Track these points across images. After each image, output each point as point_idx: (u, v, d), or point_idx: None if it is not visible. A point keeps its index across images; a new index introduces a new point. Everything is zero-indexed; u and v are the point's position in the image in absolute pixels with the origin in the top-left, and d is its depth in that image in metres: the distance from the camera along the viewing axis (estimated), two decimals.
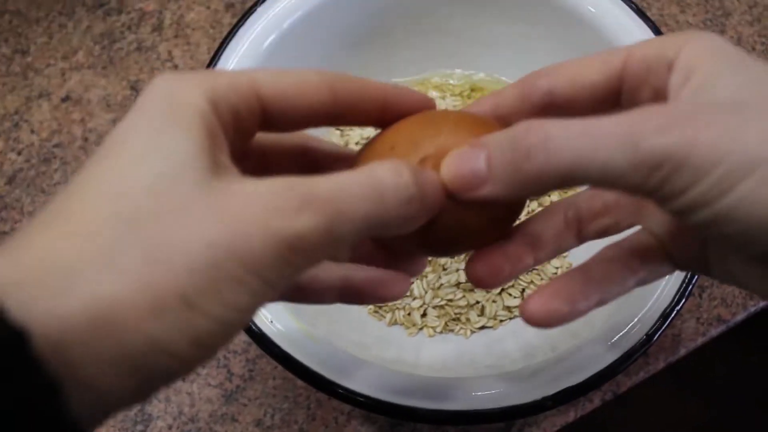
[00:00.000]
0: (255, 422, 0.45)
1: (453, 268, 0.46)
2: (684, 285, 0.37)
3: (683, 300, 0.37)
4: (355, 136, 0.48)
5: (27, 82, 0.54)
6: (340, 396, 0.36)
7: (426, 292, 0.45)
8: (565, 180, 0.20)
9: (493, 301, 0.45)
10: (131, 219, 0.17)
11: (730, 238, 0.20)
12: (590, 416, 0.45)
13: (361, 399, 0.36)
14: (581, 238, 0.27)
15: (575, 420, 0.45)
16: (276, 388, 0.46)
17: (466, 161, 0.22)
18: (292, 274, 0.18)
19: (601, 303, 0.26)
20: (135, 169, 0.18)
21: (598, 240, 0.28)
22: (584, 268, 0.26)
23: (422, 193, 0.21)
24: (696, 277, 0.38)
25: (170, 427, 0.45)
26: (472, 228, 0.24)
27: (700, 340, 0.47)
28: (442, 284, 0.46)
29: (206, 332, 0.17)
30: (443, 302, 0.45)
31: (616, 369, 0.36)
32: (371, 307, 0.46)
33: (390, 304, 0.46)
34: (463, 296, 0.45)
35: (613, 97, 0.24)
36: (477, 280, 0.26)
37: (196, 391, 0.46)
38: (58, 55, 0.54)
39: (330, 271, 0.26)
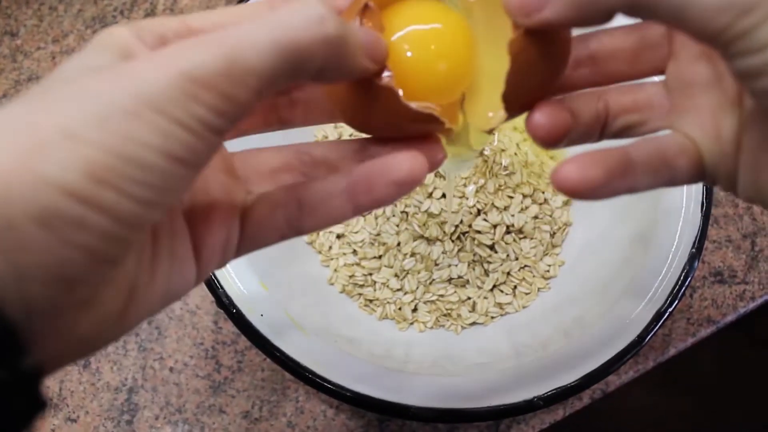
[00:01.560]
0: (242, 414, 0.45)
1: (445, 263, 0.45)
2: (677, 287, 0.37)
3: (676, 302, 0.37)
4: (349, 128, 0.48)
5: (16, 65, 0.53)
6: (328, 391, 0.36)
7: (417, 287, 0.45)
8: (638, 6, 0.19)
9: (485, 298, 0.45)
10: (33, 95, 0.17)
11: None
12: (579, 414, 0.45)
13: (349, 394, 0.36)
14: (603, 134, 0.25)
15: (564, 418, 0.45)
16: (264, 381, 0.46)
17: None
18: (206, 113, 0.17)
19: (631, 190, 0.23)
20: (56, 74, 0.19)
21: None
22: (623, 149, 0.23)
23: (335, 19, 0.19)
24: (689, 279, 0.37)
25: (157, 418, 0.45)
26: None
27: (690, 341, 0.47)
28: (433, 279, 0.45)
29: (101, 165, 0.15)
30: (434, 297, 0.45)
31: (607, 370, 0.36)
32: (362, 301, 0.46)
33: (381, 298, 0.45)
34: (455, 292, 0.45)
35: None
36: (536, 129, 0.24)
37: (184, 382, 0.46)
38: (48, 39, 0.53)
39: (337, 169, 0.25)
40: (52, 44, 0.53)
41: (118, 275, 0.18)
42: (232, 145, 0.25)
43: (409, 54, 0.23)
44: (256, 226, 0.23)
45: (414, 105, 0.22)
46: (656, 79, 0.25)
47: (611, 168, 0.22)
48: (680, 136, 0.24)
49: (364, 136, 0.25)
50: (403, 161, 0.21)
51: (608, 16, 0.20)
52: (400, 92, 0.22)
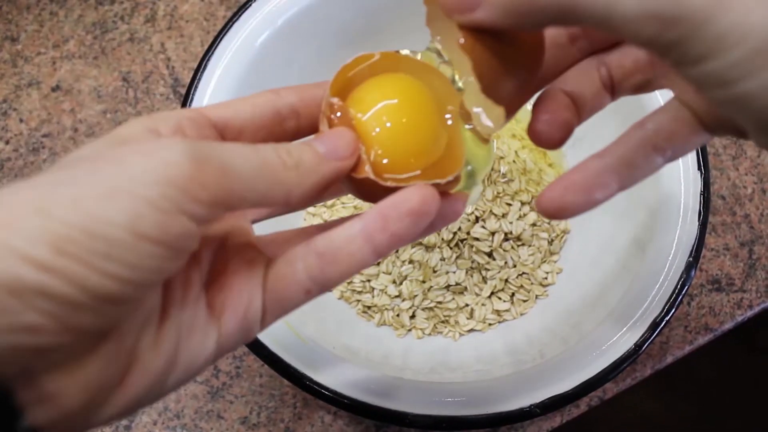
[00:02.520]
0: (241, 420, 0.45)
1: (443, 270, 0.45)
2: (674, 295, 0.37)
3: (673, 310, 0.37)
4: None
5: (16, 70, 0.53)
6: (326, 398, 0.36)
7: (415, 294, 0.45)
8: (563, 13, 0.19)
9: (483, 305, 0.45)
10: (33, 180, 0.18)
11: (752, 119, 0.18)
12: (576, 421, 0.45)
13: (347, 401, 0.36)
14: (616, 94, 0.26)
15: (561, 425, 0.45)
16: (263, 386, 0.46)
17: None
18: (175, 196, 0.18)
19: (622, 188, 0.24)
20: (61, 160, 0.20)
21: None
22: (602, 155, 0.24)
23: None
24: (686, 287, 0.38)
25: (155, 423, 0.45)
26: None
27: (688, 348, 0.47)
28: (431, 286, 0.45)
29: (65, 238, 0.16)
30: (432, 304, 0.45)
31: (605, 378, 0.36)
32: (360, 307, 0.46)
33: (379, 304, 0.45)
34: (453, 299, 0.45)
35: None
36: (538, 134, 0.24)
37: (182, 387, 0.46)
38: (48, 44, 0.54)
39: None
40: (52, 49, 0.53)
41: (106, 345, 0.19)
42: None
43: (380, 132, 0.23)
44: (279, 288, 0.22)
45: (396, 179, 0.22)
46: None
47: (588, 186, 0.24)
48: (674, 108, 0.24)
49: None
50: (413, 191, 0.22)
51: (538, 25, 0.20)
52: (371, 174, 0.22)
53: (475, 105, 0.24)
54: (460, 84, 0.24)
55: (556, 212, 0.24)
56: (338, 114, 0.23)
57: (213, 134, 0.23)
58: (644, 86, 0.25)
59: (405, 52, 0.25)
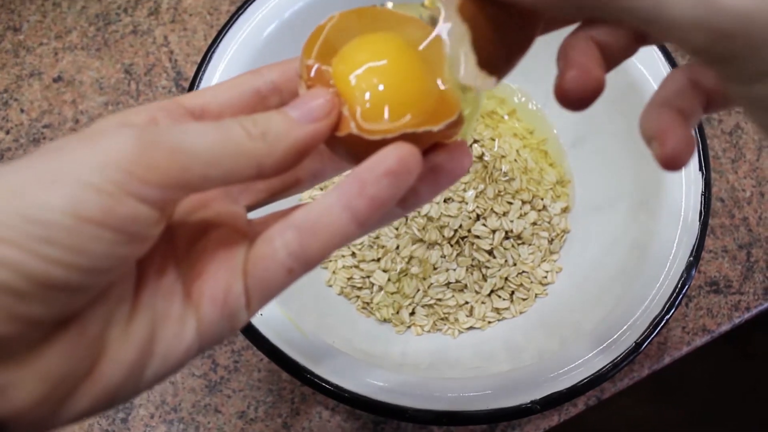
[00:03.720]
0: (238, 414, 0.45)
1: (443, 267, 0.45)
2: (674, 294, 0.38)
3: (673, 309, 0.37)
4: None
5: (18, 60, 0.53)
6: (327, 391, 0.36)
7: (416, 291, 0.45)
8: (609, 13, 0.17)
9: (483, 303, 0.45)
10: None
11: None
12: (573, 420, 0.46)
13: (348, 395, 0.36)
14: (647, 41, 0.22)
15: (559, 424, 0.45)
16: (261, 381, 0.46)
17: None
18: (119, 178, 0.17)
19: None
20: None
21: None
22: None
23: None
24: (686, 286, 0.38)
25: (152, 416, 0.45)
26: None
27: (685, 349, 0.47)
28: (431, 284, 0.45)
29: (3, 225, 0.16)
30: (432, 301, 0.45)
31: (605, 375, 0.36)
32: (360, 303, 0.46)
33: (377, 301, 0.45)
34: (453, 296, 0.45)
35: None
36: (565, 94, 0.21)
37: (180, 381, 0.46)
38: (51, 35, 0.53)
39: None
40: (54, 40, 0.53)
41: (66, 335, 0.18)
42: None
43: (363, 85, 0.22)
44: (259, 269, 0.21)
45: (383, 130, 0.21)
46: None
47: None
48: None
49: None
50: (390, 150, 0.20)
51: (577, 17, 0.18)
52: (355, 130, 0.21)
53: (470, 78, 0.22)
54: (448, 50, 0.22)
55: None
56: (312, 75, 0.22)
57: (188, 121, 0.22)
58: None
59: (389, 5, 0.23)
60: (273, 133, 0.20)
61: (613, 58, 0.22)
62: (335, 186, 0.20)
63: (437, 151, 0.22)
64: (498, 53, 0.22)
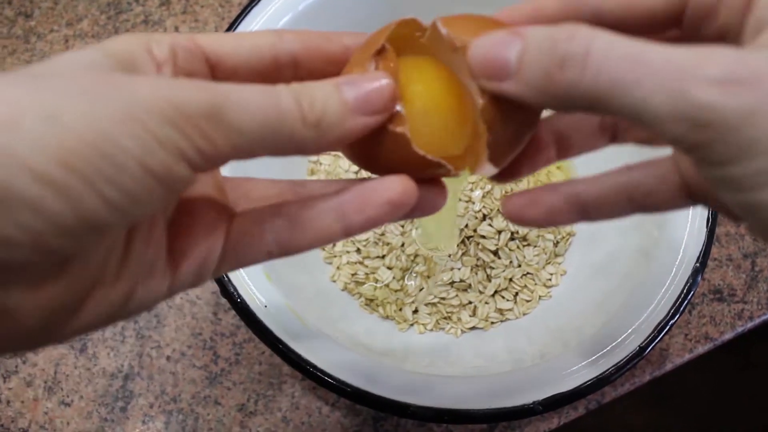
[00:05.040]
0: (238, 407, 0.45)
1: (448, 266, 0.45)
2: (680, 300, 0.37)
3: (678, 314, 0.37)
4: None
5: (29, 46, 0.53)
6: (329, 385, 0.36)
7: (420, 289, 0.45)
8: (593, 105, 0.18)
9: (486, 303, 0.45)
10: (18, 75, 0.17)
11: (759, 225, 0.18)
12: (573, 423, 0.45)
13: (350, 390, 0.36)
14: (616, 140, 0.25)
15: (558, 427, 0.45)
16: (261, 374, 0.46)
17: (499, 47, 0.20)
18: (185, 145, 0.17)
19: (585, 220, 0.24)
20: (45, 63, 0.19)
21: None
22: (577, 187, 0.24)
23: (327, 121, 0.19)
24: (692, 292, 0.38)
25: (151, 406, 0.45)
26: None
27: (687, 357, 0.47)
28: (435, 282, 0.45)
29: (77, 153, 0.15)
30: (436, 300, 0.45)
31: (608, 378, 0.36)
32: (363, 299, 0.46)
33: (381, 298, 0.45)
34: (456, 295, 0.45)
35: (672, 24, 0.21)
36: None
37: (180, 372, 0.46)
38: (62, 22, 0.53)
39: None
40: (65, 27, 0.53)
41: (71, 270, 0.18)
42: (226, 170, 0.25)
43: (422, 108, 0.22)
44: (242, 243, 0.22)
45: (423, 153, 0.21)
46: None
47: (553, 209, 0.24)
48: (663, 168, 0.24)
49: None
50: (396, 181, 0.21)
51: (566, 109, 0.20)
52: (408, 132, 0.21)
53: (481, 170, 0.23)
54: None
55: (513, 218, 0.24)
56: (377, 61, 0.21)
57: (204, 69, 0.22)
58: (649, 141, 0.25)
59: (439, 24, 0.23)
60: (327, 123, 0.19)
61: (573, 147, 0.25)
62: (339, 191, 0.21)
63: (425, 185, 0.23)
64: (506, 150, 0.23)
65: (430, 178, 0.23)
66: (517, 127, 0.23)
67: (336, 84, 0.20)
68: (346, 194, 0.22)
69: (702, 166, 0.18)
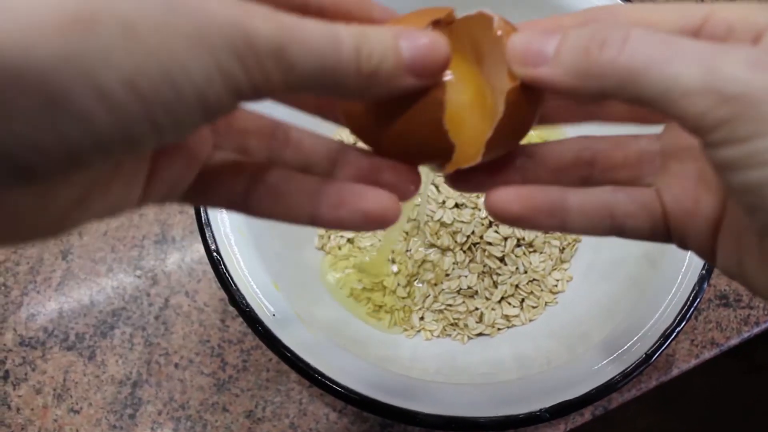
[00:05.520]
0: (246, 413, 0.45)
1: (455, 274, 0.46)
2: (686, 307, 0.38)
3: (684, 322, 0.37)
4: None
5: None
6: (337, 393, 0.36)
7: (427, 296, 0.45)
8: (624, 83, 0.19)
9: (493, 309, 0.45)
10: None
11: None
12: (579, 429, 0.46)
13: (357, 398, 0.36)
14: (585, 182, 0.25)
15: None
16: (269, 381, 0.46)
17: (539, 37, 0.21)
18: (242, 77, 0.17)
19: (562, 230, 0.24)
20: None
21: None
22: (562, 193, 0.24)
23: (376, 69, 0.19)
24: (698, 299, 0.38)
25: (160, 413, 0.45)
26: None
27: (693, 362, 0.47)
28: (442, 289, 0.46)
29: (146, 76, 0.15)
30: (443, 307, 0.45)
31: (614, 386, 0.36)
32: (370, 306, 0.46)
33: (389, 305, 0.46)
34: (463, 302, 0.45)
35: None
36: (452, 180, 0.25)
37: (188, 379, 0.46)
38: None
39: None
40: None
41: (82, 182, 0.18)
42: None
43: (457, 92, 0.22)
44: (212, 184, 0.22)
45: (446, 128, 0.21)
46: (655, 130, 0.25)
47: (537, 211, 0.23)
48: (648, 197, 0.24)
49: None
50: (382, 196, 0.21)
51: (599, 95, 0.20)
52: (444, 103, 0.21)
53: (465, 164, 0.23)
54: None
55: (496, 210, 0.23)
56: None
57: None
58: (623, 183, 0.25)
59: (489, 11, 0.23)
60: (378, 77, 0.19)
61: (556, 117, 0.25)
62: (321, 180, 0.22)
63: (403, 171, 0.23)
64: (503, 143, 0.23)
65: (413, 164, 0.23)
66: (521, 124, 0.23)
67: (395, 37, 0.19)
68: (329, 184, 0.22)
69: (719, 148, 0.18)
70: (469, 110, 0.23)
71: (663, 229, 0.24)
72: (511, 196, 0.23)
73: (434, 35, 0.20)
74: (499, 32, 0.22)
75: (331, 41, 0.18)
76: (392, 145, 0.22)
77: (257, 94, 0.17)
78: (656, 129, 0.25)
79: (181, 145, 0.21)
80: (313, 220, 0.22)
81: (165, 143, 0.17)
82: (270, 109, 0.23)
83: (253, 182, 0.22)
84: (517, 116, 0.22)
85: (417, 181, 0.23)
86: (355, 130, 0.23)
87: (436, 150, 0.22)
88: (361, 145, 0.24)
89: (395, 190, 0.22)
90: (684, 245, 0.24)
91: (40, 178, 0.15)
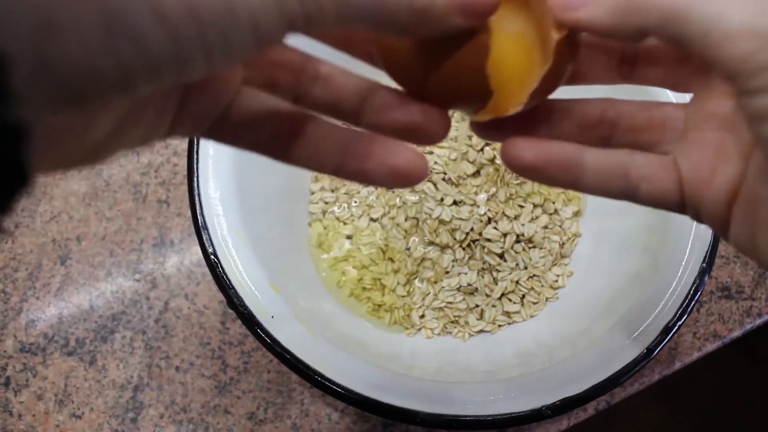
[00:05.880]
0: (248, 415, 0.45)
1: (455, 271, 0.45)
2: (686, 301, 0.37)
3: (685, 316, 0.37)
4: None
5: None
6: (337, 394, 0.36)
7: (427, 294, 0.45)
8: (667, 22, 0.19)
9: (493, 306, 0.45)
10: None
11: None
12: (583, 424, 0.45)
13: (358, 398, 0.36)
14: (605, 142, 0.25)
15: (568, 428, 0.45)
16: (270, 382, 0.46)
17: None
18: (294, 5, 0.16)
19: (575, 187, 0.24)
20: None
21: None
22: (578, 149, 0.24)
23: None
24: (699, 293, 0.38)
25: (162, 416, 0.45)
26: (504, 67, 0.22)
27: (696, 355, 0.47)
28: (442, 287, 0.45)
29: (206, 2, 0.15)
30: (443, 304, 0.45)
31: (616, 381, 0.36)
32: (370, 305, 0.46)
33: (388, 304, 0.45)
34: (463, 299, 0.45)
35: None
36: (480, 127, 0.24)
37: (190, 381, 0.46)
38: None
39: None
40: None
41: (122, 108, 0.18)
42: None
43: (504, 36, 0.22)
44: (239, 123, 0.22)
45: (488, 73, 0.21)
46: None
47: (550, 160, 0.23)
48: (666, 163, 0.24)
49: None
50: (412, 153, 0.21)
51: (639, 34, 0.20)
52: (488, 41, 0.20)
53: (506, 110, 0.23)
54: None
55: (509, 161, 0.23)
56: None
57: None
58: (643, 146, 0.25)
59: None
60: (429, 14, 0.19)
61: (590, 77, 0.25)
62: (353, 130, 0.21)
63: (433, 113, 0.22)
64: (543, 93, 0.23)
65: (445, 107, 0.22)
66: (560, 77, 0.23)
67: None
68: (359, 136, 0.21)
69: (760, 95, 0.18)
70: (512, 57, 0.23)
71: (677, 198, 0.23)
72: (527, 146, 0.23)
73: None
74: None
75: None
76: (428, 86, 0.22)
77: (309, 24, 0.17)
78: (685, 99, 0.25)
79: (211, 78, 0.21)
80: (338, 170, 0.22)
81: (212, 72, 0.16)
82: (296, 41, 0.22)
83: (280, 125, 0.22)
84: (561, 68, 0.22)
85: (447, 125, 0.23)
86: (389, 68, 0.23)
87: (474, 95, 0.22)
88: (391, 84, 0.23)
89: (424, 132, 0.22)
90: (698, 216, 0.23)
91: (89, 101, 0.15)
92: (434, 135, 0.22)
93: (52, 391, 0.46)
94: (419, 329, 0.45)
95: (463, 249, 0.45)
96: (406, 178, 0.21)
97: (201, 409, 0.45)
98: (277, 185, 0.45)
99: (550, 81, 0.22)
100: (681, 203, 0.23)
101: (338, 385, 0.36)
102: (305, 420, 0.45)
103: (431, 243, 0.46)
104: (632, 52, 0.24)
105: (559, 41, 0.21)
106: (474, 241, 0.46)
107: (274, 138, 0.22)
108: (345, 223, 0.48)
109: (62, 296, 0.48)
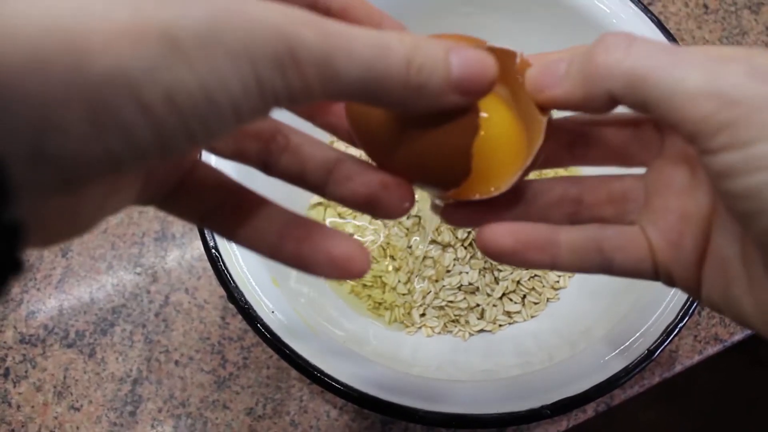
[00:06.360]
0: (246, 411, 0.45)
1: (456, 270, 0.45)
2: (688, 302, 0.37)
3: (687, 317, 0.37)
4: None
5: None
6: (337, 391, 0.36)
7: (428, 293, 0.45)
8: (632, 86, 0.19)
9: (494, 305, 0.45)
10: None
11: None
12: (582, 426, 0.45)
13: (357, 395, 0.36)
14: (572, 219, 0.25)
15: (567, 429, 0.45)
16: (269, 378, 0.46)
17: (552, 61, 0.22)
18: (282, 88, 0.16)
19: (553, 267, 0.24)
20: None
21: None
22: (556, 232, 0.24)
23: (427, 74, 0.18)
24: None
25: (160, 410, 0.45)
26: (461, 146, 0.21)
27: (697, 358, 0.47)
28: (443, 286, 0.45)
29: (184, 91, 0.15)
30: (443, 303, 0.45)
31: (616, 382, 0.36)
32: (371, 303, 0.46)
33: (389, 301, 0.45)
34: (464, 298, 0.45)
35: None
36: (447, 212, 0.25)
37: (189, 376, 0.46)
38: None
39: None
40: None
41: (108, 184, 0.19)
42: None
43: (493, 122, 0.22)
44: (189, 195, 0.22)
45: (472, 153, 0.21)
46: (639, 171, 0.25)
47: (529, 242, 0.23)
48: (635, 233, 0.24)
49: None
50: (353, 244, 0.21)
51: (609, 101, 0.21)
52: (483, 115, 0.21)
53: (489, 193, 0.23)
54: None
55: (488, 248, 0.23)
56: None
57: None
58: (608, 221, 0.25)
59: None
60: (424, 92, 0.18)
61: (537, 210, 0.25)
62: (291, 220, 0.22)
63: (401, 187, 0.22)
64: (530, 171, 0.23)
65: (413, 182, 0.22)
66: (543, 154, 0.23)
67: (446, 51, 0.18)
68: (300, 219, 0.21)
69: (722, 153, 0.18)
70: (500, 139, 0.23)
71: (650, 265, 0.24)
72: (504, 231, 0.23)
73: (484, 53, 0.19)
74: (519, 78, 0.23)
75: (381, 51, 0.17)
76: (402, 159, 0.21)
77: (293, 101, 0.17)
78: (639, 171, 0.25)
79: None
80: (274, 253, 0.21)
81: (195, 150, 0.17)
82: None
83: (225, 200, 0.22)
84: (544, 150, 0.23)
85: (410, 198, 0.22)
86: (361, 139, 0.22)
87: (451, 174, 0.21)
88: (355, 153, 0.23)
89: (383, 204, 0.22)
90: (670, 281, 0.24)
91: (79, 185, 0.15)
92: (395, 208, 0.22)
93: (51, 383, 0.46)
94: (420, 327, 0.45)
95: (465, 248, 0.45)
96: (345, 270, 0.21)
97: (200, 404, 0.45)
98: (278, 181, 0.44)
99: (535, 162, 0.23)
100: (654, 270, 0.24)
101: (338, 382, 0.36)
102: (304, 416, 0.45)
103: (433, 241, 0.45)
104: (581, 134, 0.25)
105: (549, 121, 0.22)
106: (475, 240, 0.45)
107: (217, 213, 0.22)
108: (347, 221, 0.48)
109: (63, 288, 0.48)
